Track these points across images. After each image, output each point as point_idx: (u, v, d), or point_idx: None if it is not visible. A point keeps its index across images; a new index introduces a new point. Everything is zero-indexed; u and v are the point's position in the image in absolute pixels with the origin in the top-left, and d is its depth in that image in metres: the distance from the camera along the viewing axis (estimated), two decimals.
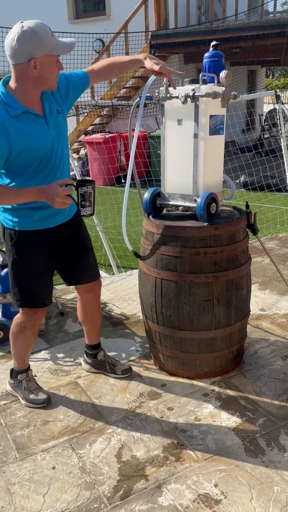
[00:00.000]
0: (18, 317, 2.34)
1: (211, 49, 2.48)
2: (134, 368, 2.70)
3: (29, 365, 2.50)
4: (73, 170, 4.00)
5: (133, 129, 2.51)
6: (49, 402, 2.43)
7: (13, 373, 2.49)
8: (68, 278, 2.42)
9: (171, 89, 2.36)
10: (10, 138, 1.91)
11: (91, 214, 2.03)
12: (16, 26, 1.86)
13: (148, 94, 2.43)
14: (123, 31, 10.14)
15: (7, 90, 1.95)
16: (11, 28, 1.91)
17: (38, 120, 2.01)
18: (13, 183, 2.04)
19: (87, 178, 1.98)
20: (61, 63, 2.01)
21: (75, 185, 1.96)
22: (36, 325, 2.34)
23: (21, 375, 2.46)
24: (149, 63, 2.19)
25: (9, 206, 2.12)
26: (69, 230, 2.28)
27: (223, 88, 2.34)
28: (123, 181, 8.56)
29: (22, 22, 1.86)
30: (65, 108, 2.16)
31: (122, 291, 3.81)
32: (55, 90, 2.06)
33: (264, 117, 13.13)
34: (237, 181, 7.68)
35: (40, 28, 1.86)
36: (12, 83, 1.96)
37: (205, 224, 2.36)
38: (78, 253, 2.34)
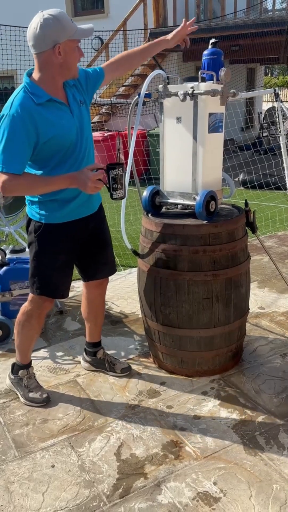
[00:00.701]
0: (25, 305, 2.35)
1: (210, 46, 2.48)
2: (133, 367, 2.70)
3: (31, 361, 2.50)
4: None
5: (132, 127, 2.51)
6: (48, 401, 2.42)
7: (15, 368, 2.49)
8: (86, 272, 2.43)
9: (170, 86, 2.35)
10: (38, 126, 1.93)
11: (123, 197, 2.04)
12: (37, 15, 1.91)
13: (147, 92, 2.42)
14: (122, 29, 10.11)
15: (31, 80, 1.98)
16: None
17: (63, 108, 2.03)
18: (40, 173, 2.05)
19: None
20: (82, 50, 2.03)
21: (106, 168, 1.96)
22: (42, 315, 2.35)
23: (22, 372, 2.46)
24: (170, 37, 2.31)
25: (36, 199, 2.13)
26: (94, 224, 2.29)
27: (222, 86, 2.33)
28: None
29: (42, 11, 1.91)
30: (87, 99, 2.18)
31: (121, 290, 3.81)
32: (77, 78, 2.09)
33: (263, 115, 13.12)
34: (236, 179, 7.67)
35: (60, 15, 1.92)
36: (35, 74, 2.00)
37: (204, 222, 2.36)
38: (99, 247, 2.36)
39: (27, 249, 2.85)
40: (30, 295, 2.31)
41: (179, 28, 2.32)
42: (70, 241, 2.23)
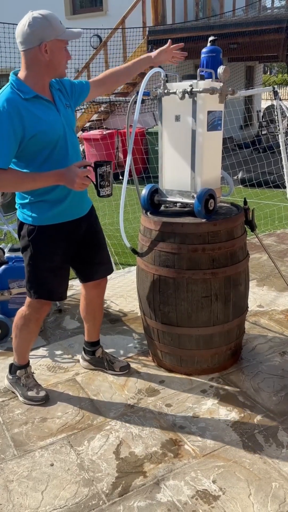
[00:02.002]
0: (23, 309, 2.34)
1: (208, 44, 2.48)
2: (132, 365, 2.70)
3: (29, 361, 2.50)
4: None
5: (131, 126, 2.50)
6: (47, 399, 2.42)
7: (12, 368, 2.49)
8: (83, 273, 2.42)
9: (168, 84, 2.35)
10: (24, 120, 1.93)
11: (110, 195, 2.05)
12: (27, 14, 1.95)
13: (145, 90, 2.41)
14: (121, 27, 10.09)
15: (17, 78, 2.00)
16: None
17: (49, 105, 2.04)
18: (27, 170, 2.05)
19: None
20: (69, 52, 2.05)
21: (93, 166, 1.97)
22: (41, 319, 2.35)
23: (20, 371, 2.46)
24: (155, 54, 2.32)
25: (27, 201, 2.12)
26: (86, 225, 2.29)
27: (221, 84, 2.33)
28: (120, 177, 8.53)
29: (32, 11, 1.95)
30: (72, 104, 2.19)
31: (120, 288, 3.80)
32: (64, 77, 2.10)
33: (262, 114, 13.11)
34: (235, 177, 7.67)
35: (50, 15, 1.96)
36: (22, 73, 2.01)
37: (203, 220, 2.36)
38: (93, 248, 2.35)
39: None
40: (28, 300, 2.30)
41: (164, 47, 2.33)
42: (64, 242, 2.21)
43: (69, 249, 2.26)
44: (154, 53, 2.33)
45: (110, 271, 2.49)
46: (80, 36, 2.03)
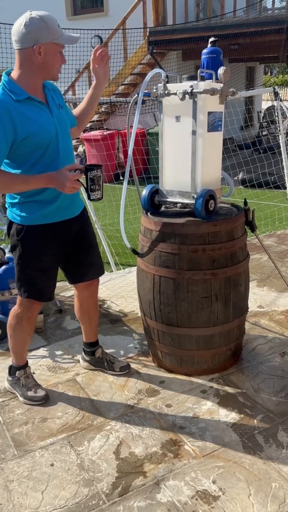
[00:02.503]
0: (15, 309, 2.35)
1: (209, 45, 2.48)
2: (133, 365, 2.70)
3: (27, 361, 2.50)
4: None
5: (131, 126, 2.51)
6: (47, 399, 2.43)
7: (12, 370, 2.49)
8: (72, 275, 2.42)
9: (169, 85, 2.35)
10: (15, 122, 1.93)
11: (100, 198, 2.06)
12: (25, 14, 1.94)
13: (146, 91, 2.42)
14: (121, 28, 10.10)
15: (10, 79, 1.99)
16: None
17: (42, 107, 2.04)
18: (18, 172, 2.05)
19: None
20: (64, 57, 2.05)
21: (84, 169, 1.97)
22: (33, 317, 2.35)
23: (19, 372, 2.46)
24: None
25: (16, 200, 2.12)
26: (77, 226, 2.28)
27: (221, 85, 2.33)
28: (121, 178, 8.53)
29: (31, 11, 1.94)
30: (65, 108, 2.20)
31: (120, 289, 3.81)
32: (57, 80, 2.10)
33: (262, 114, 13.11)
34: (236, 178, 7.67)
35: (47, 17, 1.94)
36: (15, 72, 2.01)
37: (203, 221, 2.36)
38: (84, 250, 2.35)
39: None
40: (19, 298, 2.30)
41: (91, 64, 2.27)
42: (53, 243, 2.21)
43: (59, 250, 2.25)
44: (94, 78, 2.32)
45: (101, 272, 2.48)
46: (77, 41, 2.02)
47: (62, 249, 2.27)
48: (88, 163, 9.59)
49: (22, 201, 2.11)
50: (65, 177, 1.95)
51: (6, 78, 2.00)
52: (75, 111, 2.37)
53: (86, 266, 2.38)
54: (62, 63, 2.04)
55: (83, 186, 1.99)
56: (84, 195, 2.06)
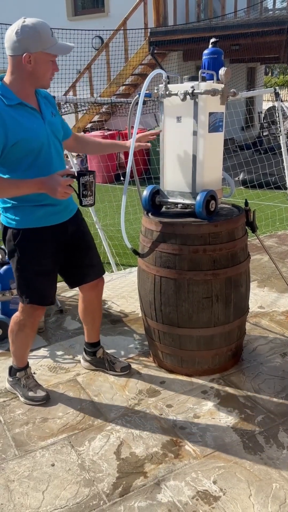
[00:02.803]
0: (17, 315, 2.33)
1: (210, 46, 2.48)
2: (133, 366, 2.71)
3: (28, 362, 2.50)
4: (71, 168, 4.00)
5: (132, 127, 2.51)
6: (48, 399, 2.43)
7: (12, 371, 2.49)
8: (72, 278, 2.41)
9: (170, 86, 2.35)
10: (7, 127, 1.92)
11: (92, 204, 2.06)
12: (19, 20, 1.93)
13: (147, 91, 2.42)
14: (122, 28, 10.11)
15: (2, 83, 1.99)
16: (9, 24, 1.94)
17: (34, 113, 2.04)
18: (9, 177, 2.04)
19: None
20: (57, 65, 2.05)
21: (76, 175, 1.97)
22: (36, 323, 2.34)
23: (19, 373, 2.46)
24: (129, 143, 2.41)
25: (10, 204, 2.10)
26: (73, 228, 2.28)
27: (222, 85, 2.33)
28: (122, 178, 8.54)
29: (24, 18, 1.93)
30: (58, 117, 2.19)
31: (121, 289, 3.81)
32: (47, 88, 2.10)
33: (263, 115, 13.12)
34: (236, 178, 7.67)
35: (40, 26, 1.92)
36: (7, 77, 2.01)
37: (204, 221, 2.36)
38: (81, 251, 2.34)
39: None
40: (21, 305, 2.28)
41: (140, 135, 2.38)
42: (50, 245, 2.19)
43: (57, 252, 2.24)
44: (128, 143, 2.41)
45: (102, 272, 2.47)
46: (69, 51, 2.01)
47: (60, 252, 2.26)
48: (89, 163, 9.60)
49: (17, 205, 2.09)
50: (57, 183, 1.94)
51: (0, 82, 1.99)
52: (89, 135, 2.40)
53: (86, 267, 2.37)
54: (54, 71, 2.03)
55: (75, 191, 1.99)
56: (76, 201, 2.06)
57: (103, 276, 2.50)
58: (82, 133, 2.46)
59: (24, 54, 1.92)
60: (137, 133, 2.42)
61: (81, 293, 2.51)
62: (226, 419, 2.26)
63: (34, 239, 2.15)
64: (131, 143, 2.41)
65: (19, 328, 2.33)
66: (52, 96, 2.23)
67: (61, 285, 3.87)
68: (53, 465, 2.03)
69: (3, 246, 3.51)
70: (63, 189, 1.94)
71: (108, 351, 2.77)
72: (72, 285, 2.46)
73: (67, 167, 2.29)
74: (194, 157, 2.38)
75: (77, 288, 2.49)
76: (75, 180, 1.98)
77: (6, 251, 2.22)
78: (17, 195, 2.04)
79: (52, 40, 1.94)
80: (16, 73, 1.98)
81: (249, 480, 1.91)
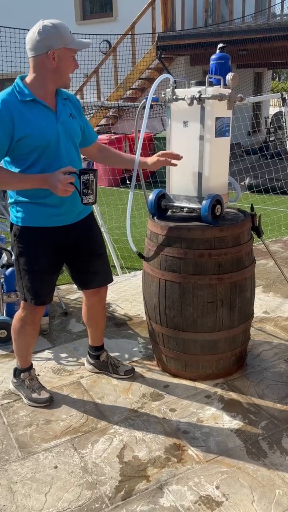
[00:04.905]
0: (19, 312, 2.36)
1: (218, 51, 2.49)
2: (137, 369, 2.71)
3: (32, 363, 2.51)
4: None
5: (139, 131, 2.52)
6: (51, 401, 2.43)
7: (16, 372, 2.50)
8: (78, 281, 2.44)
9: (177, 91, 2.36)
10: (14, 121, 1.97)
11: (93, 203, 2.07)
12: (38, 22, 2.01)
13: (154, 96, 2.43)
14: (130, 33, 10.16)
15: (22, 82, 2.05)
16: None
17: (46, 111, 2.07)
18: (16, 171, 2.08)
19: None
20: (77, 62, 2.10)
21: (77, 173, 1.99)
22: (36, 321, 2.35)
23: (23, 374, 2.47)
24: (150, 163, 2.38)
25: (13, 200, 2.15)
26: (77, 233, 2.27)
27: (230, 90, 2.34)
28: (127, 182, 8.57)
29: (43, 19, 2.01)
30: (79, 120, 2.21)
31: (125, 292, 3.81)
32: (68, 88, 2.14)
33: (270, 120, 13.11)
34: (242, 183, 7.67)
35: (60, 24, 2.01)
36: (28, 78, 2.06)
37: (210, 226, 2.36)
38: (85, 257, 2.33)
39: None
40: (22, 302, 2.32)
41: (161, 156, 2.35)
42: (47, 247, 2.20)
43: (56, 254, 2.25)
44: (150, 160, 2.37)
45: (108, 280, 2.46)
46: (89, 45, 2.07)
47: (60, 254, 2.27)
48: (95, 165, 9.64)
49: (20, 200, 2.13)
50: (58, 180, 1.97)
51: (19, 80, 2.05)
52: (111, 147, 2.45)
53: (90, 274, 2.37)
54: (75, 68, 2.09)
55: (77, 189, 2.01)
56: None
57: (108, 283, 2.50)
58: (107, 145, 2.48)
59: (49, 51, 1.98)
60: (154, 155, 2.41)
61: (84, 297, 2.52)
62: (229, 424, 2.25)
63: (33, 238, 2.18)
64: (140, 141, 2.43)
65: (21, 325, 2.35)
66: (78, 100, 2.25)
67: (65, 287, 3.89)
68: (56, 467, 2.03)
69: (9, 248, 3.54)
70: (64, 186, 1.96)
71: (112, 354, 2.77)
72: (79, 288, 2.49)
73: (83, 164, 2.31)
74: (201, 162, 2.38)
75: (81, 291, 2.50)
76: (75, 178, 2.00)
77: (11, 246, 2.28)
78: (20, 188, 2.08)
79: (72, 37, 2.02)
80: (38, 72, 2.03)
81: (252, 486, 1.90)
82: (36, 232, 2.17)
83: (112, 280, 2.50)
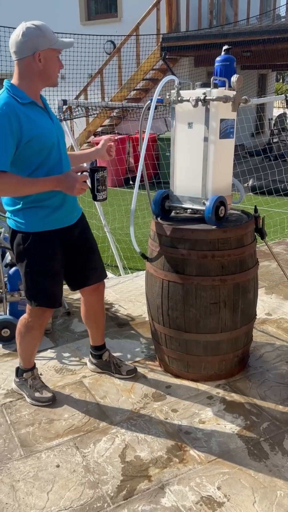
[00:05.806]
0: (25, 317, 2.34)
1: (222, 53, 2.49)
2: (139, 369, 2.71)
3: (35, 363, 2.52)
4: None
5: (144, 131, 2.53)
6: (54, 400, 2.44)
7: (19, 372, 2.51)
8: (74, 280, 2.42)
9: (182, 92, 2.37)
10: (22, 124, 1.96)
11: (105, 199, 2.14)
12: (21, 25, 2.00)
13: (159, 97, 2.44)
14: (135, 34, 10.18)
15: (13, 84, 2.04)
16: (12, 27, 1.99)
17: (43, 112, 2.09)
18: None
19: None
20: (61, 61, 2.11)
21: (89, 171, 2.04)
22: (43, 325, 2.36)
23: (26, 374, 2.48)
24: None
25: (19, 206, 2.11)
26: (78, 231, 2.30)
27: (234, 92, 2.35)
28: (131, 182, 8.58)
29: (25, 22, 2.00)
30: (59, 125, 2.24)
31: (128, 292, 3.82)
32: (56, 86, 2.14)
33: (273, 121, 13.10)
34: (246, 185, 7.67)
35: (42, 25, 2.01)
36: (16, 81, 2.05)
37: (213, 227, 2.37)
38: (86, 254, 2.36)
39: None
40: (28, 307, 2.29)
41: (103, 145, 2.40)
42: (59, 248, 2.22)
43: (64, 255, 2.27)
44: (99, 147, 2.41)
45: (103, 276, 2.49)
46: (72, 45, 2.07)
47: (66, 255, 2.28)
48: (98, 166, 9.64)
49: (26, 207, 2.10)
50: (74, 179, 1.99)
51: (9, 83, 2.04)
52: (99, 138, 2.46)
53: (89, 270, 2.39)
54: (60, 68, 2.10)
55: (89, 187, 2.05)
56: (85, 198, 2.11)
57: (105, 279, 2.51)
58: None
59: (35, 53, 1.98)
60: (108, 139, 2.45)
61: (83, 297, 2.52)
62: (231, 425, 2.26)
63: (43, 243, 2.17)
64: (144, 141, 2.45)
65: (27, 330, 2.34)
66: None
67: (68, 287, 3.89)
68: (58, 466, 2.04)
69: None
70: (80, 185, 2.00)
71: (115, 354, 2.78)
72: (74, 288, 2.47)
73: (86, 164, 2.35)
74: (205, 163, 2.39)
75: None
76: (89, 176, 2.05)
77: (14, 254, 2.23)
78: (32, 192, 2.05)
79: (55, 37, 2.02)
80: (26, 75, 2.02)
81: (254, 487, 1.90)
82: (45, 237, 2.16)
83: (106, 275, 2.53)
